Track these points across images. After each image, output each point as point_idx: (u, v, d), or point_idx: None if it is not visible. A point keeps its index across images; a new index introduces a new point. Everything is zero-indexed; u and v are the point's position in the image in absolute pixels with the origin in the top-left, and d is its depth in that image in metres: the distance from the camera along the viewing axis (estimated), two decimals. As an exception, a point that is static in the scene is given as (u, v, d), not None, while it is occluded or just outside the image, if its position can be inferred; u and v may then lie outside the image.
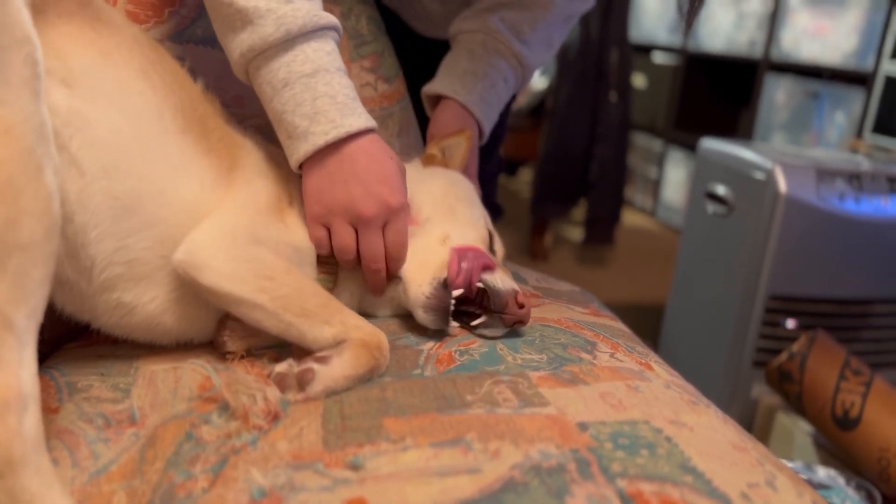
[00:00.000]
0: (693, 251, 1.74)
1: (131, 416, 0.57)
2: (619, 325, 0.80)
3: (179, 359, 0.64)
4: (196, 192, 0.63)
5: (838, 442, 1.28)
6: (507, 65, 0.94)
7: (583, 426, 0.56)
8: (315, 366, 0.59)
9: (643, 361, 0.70)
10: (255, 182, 0.68)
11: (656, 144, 3.64)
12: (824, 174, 1.47)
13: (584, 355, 0.68)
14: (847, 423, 1.25)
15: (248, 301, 0.60)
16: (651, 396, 0.63)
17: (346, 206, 0.68)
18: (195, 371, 0.62)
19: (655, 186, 3.64)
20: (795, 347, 1.35)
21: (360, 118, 0.69)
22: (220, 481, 0.49)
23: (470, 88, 0.90)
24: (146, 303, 0.61)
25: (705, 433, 0.58)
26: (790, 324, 1.53)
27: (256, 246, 0.62)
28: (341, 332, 0.62)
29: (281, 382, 0.58)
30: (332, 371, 0.59)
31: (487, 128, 0.93)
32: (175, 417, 0.56)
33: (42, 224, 0.48)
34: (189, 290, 0.62)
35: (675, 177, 3.50)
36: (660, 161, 3.61)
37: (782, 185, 1.43)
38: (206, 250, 0.60)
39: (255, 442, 0.53)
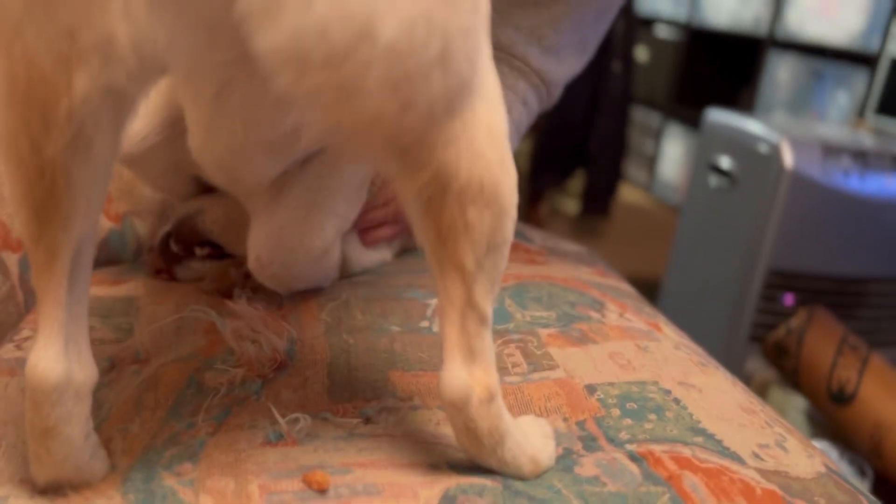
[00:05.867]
0: (693, 224, 1.73)
1: (135, 353, 0.56)
2: (626, 287, 0.80)
3: (182, 300, 0.63)
4: None
5: (833, 417, 1.28)
6: (525, 85, 0.78)
7: (591, 389, 0.55)
8: None
9: (652, 322, 0.69)
10: None
11: (655, 119, 3.61)
12: (830, 150, 1.46)
13: (593, 314, 0.67)
14: (842, 398, 1.25)
15: None
16: (660, 357, 0.62)
17: None
18: (199, 314, 0.60)
19: (652, 162, 3.63)
20: (794, 322, 1.35)
21: None
22: (224, 428, 0.48)
23: None
24: None
25: (714, 395, 0.58)
26: (788, 299, 1.53)
27: None
28: None
29: None
30: None
31: None
32: (178, 359, 0.55)
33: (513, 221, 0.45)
34: None
35: (673, 153, 3.48)
36: (658, 136, 3.59)
37: (789, 160, 1.42)
38: None
39: (259, 391, 0.52)
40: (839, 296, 1.53)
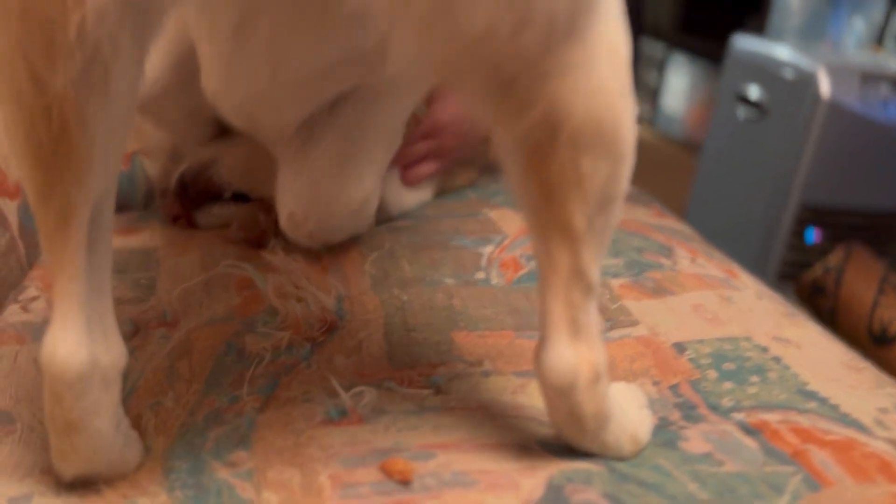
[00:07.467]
0: (718, 158, 1.65)
1: (161, 314, 0.48)
2: (687, 229, 0.73)
3: (207, 250, 0.55)
4: None
5: (873, 358, 1.23)
6: None
7: (679, 348, 0.49)
8: None
9: (726, 268, 0.62)
10: None
11: (658, 49, 3.50)
12: (868, 78, 1.37)
13: (664, 260, 0.60)
14: (885, 339, 1.20)
15: None
16: (746, 308, 0.55)
17: None
18: (233, 269, 0.53)
19: (655, 94, 3.52)
20: (831, 261, 1.29)
21: None
22: (273, 403, 0.42)
23: None
24: None
25: (813, 351, 0.52)
26: (815, 235, 1.46)
27: None
28: None
29: None
30: None
31: None
32: (212, 321, 0.48)
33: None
34: None
35: (678, 84, 3.38)
36: (661, 67, 3.48)
37: (825, 88, 1.34)
38: None
39: (309, 357, 0.45)
40: (871, 231, 1.46)
